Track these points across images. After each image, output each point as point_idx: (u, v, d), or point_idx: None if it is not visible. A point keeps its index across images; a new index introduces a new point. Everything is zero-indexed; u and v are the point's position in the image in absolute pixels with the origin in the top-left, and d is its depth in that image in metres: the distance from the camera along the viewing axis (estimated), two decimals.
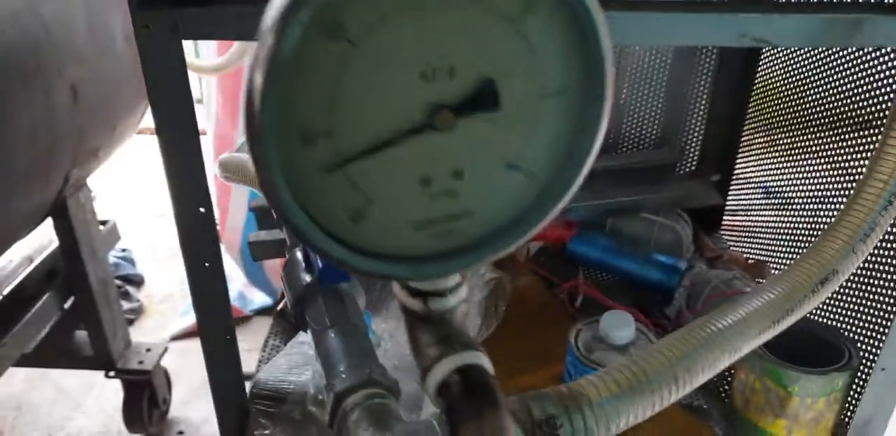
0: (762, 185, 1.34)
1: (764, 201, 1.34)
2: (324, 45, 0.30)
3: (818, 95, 1.14)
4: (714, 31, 0.78)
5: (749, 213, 1.40)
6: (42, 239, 1.46)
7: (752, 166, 1.37)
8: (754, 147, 1.37)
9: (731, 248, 1.41)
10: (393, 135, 0.32)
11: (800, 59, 1.21)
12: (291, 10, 0.28)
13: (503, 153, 0.36)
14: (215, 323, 0.95)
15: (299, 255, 0.66)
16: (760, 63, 1.32)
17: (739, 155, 1.40)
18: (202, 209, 0.87)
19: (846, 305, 1.00)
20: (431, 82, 0.32)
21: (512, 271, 1.34)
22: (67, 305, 1.43)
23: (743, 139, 1.39)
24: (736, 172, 1.41)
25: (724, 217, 1.46)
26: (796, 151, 1.22)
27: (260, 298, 2.12)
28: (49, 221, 1.35)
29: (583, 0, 0.32)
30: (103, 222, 1.51)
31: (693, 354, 0.58)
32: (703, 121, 1.38)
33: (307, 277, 0.65)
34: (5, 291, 1.32)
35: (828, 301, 1.05)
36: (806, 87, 1.18)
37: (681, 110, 1.37)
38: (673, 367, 0.57)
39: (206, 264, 0.90)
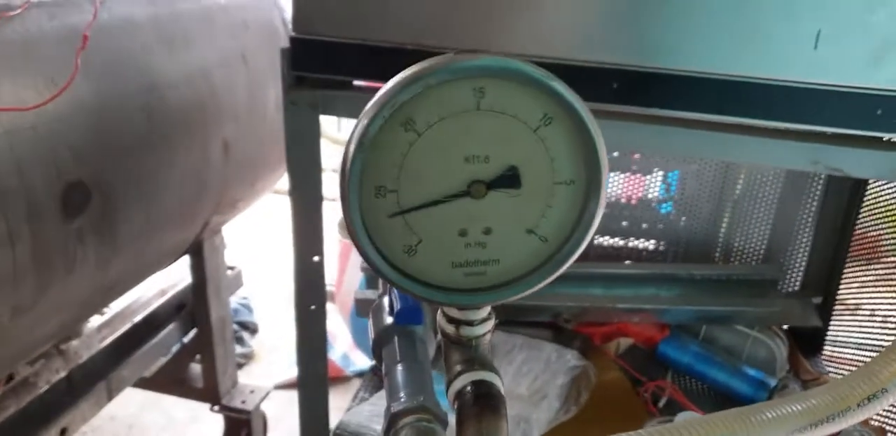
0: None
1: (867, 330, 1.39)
2: (398, 133, 0.48)
3: None
4: (790, 155, 0.93)
5: (850, 342, 1.44)
6: (177, 276, 1.72)
7: (856, 292, 1.43)
8: (861, 275, 1.43)
9: (831, 374, 1.46)
10: (441, 197, 0.49)
11: None
12: (379, 108, 0.46)
13: (523, 221, 0.52)
14: (313, 360, 1.14)
15: (385, 301, 0.82)
16: (868, 191, 1.40)
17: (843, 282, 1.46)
18: (316, 258, 1.08)
19: None
20: (472, 164, 0.49)
21: (600, 364, 1.45)
22: (188, 338, 1.66)
23: (850, 266, 1.45)
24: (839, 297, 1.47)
25: (825, 344, 1.51)
26: None
27: (362, 362, 2.31)
28: (185, 261, 1.60)
29: (585, 122, 0.48)
30: (231, 267, 1.76)
31: None
32: (810, 242, 1.46)
33: (389, 320, 0.81)
34: (138, 318, 1.57)
35: None
36: None
37: (789, 230, 1.47)
38: None
39: (312, 307, 1.10)
